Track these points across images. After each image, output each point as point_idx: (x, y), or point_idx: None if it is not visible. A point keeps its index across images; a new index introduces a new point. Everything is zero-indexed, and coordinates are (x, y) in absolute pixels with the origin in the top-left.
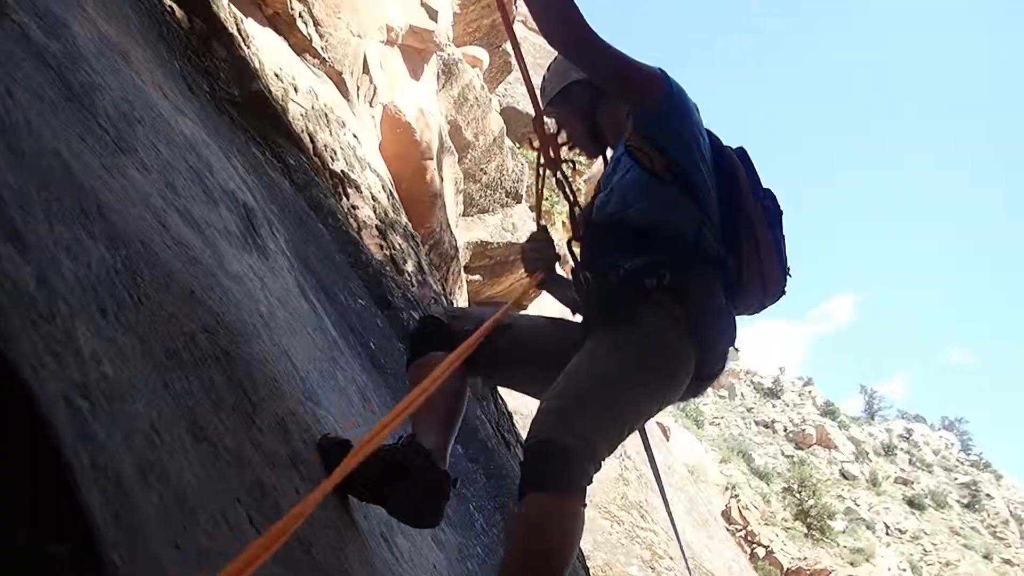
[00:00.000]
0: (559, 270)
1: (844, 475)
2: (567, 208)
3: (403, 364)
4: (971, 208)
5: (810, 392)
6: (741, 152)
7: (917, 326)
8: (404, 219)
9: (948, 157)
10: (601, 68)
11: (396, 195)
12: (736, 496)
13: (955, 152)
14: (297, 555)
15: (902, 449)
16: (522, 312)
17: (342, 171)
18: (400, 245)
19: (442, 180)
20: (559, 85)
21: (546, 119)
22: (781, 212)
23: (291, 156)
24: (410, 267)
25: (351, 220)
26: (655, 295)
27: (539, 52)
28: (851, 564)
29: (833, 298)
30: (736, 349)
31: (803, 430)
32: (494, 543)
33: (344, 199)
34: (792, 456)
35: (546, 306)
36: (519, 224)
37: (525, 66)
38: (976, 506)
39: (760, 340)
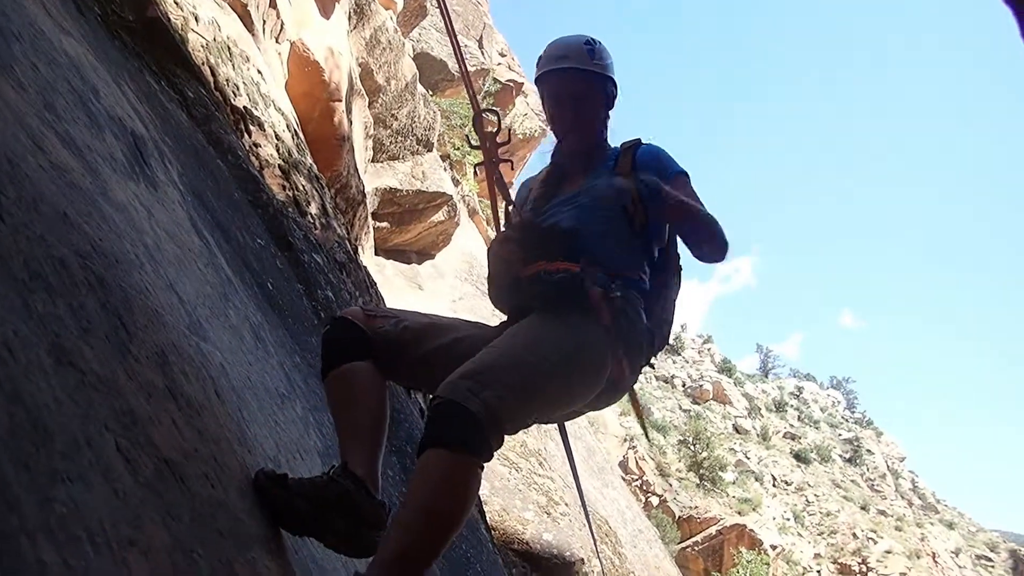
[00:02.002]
0: None
1: (737, 429)
2: (503, 205)
3: (301, 306)
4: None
5: (709, 350)
6: None
7: (812, 291)
8: (309, 160)
9: (845, 127)
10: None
11: (301, 135)
12: (634, 447)
13: (852, 122)
14: (170, 483)
15: (792, 406)
16: (442, 316)
17: (244, 107)
18: (304, 186)
19: (351, 123)
20: (611, 72)
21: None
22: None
23: (189, 88)
24: (314, 209)
25: (252, 158)
26: (594, 301)
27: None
28: (739, 513)
29: (734, 260)
30: (651, 366)
31: (701, 386)
32: (387, 484)
33: (246, 136)
34: (689, 410)
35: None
36: (429, 172)
37: (456, 41)
38: (857, 461)
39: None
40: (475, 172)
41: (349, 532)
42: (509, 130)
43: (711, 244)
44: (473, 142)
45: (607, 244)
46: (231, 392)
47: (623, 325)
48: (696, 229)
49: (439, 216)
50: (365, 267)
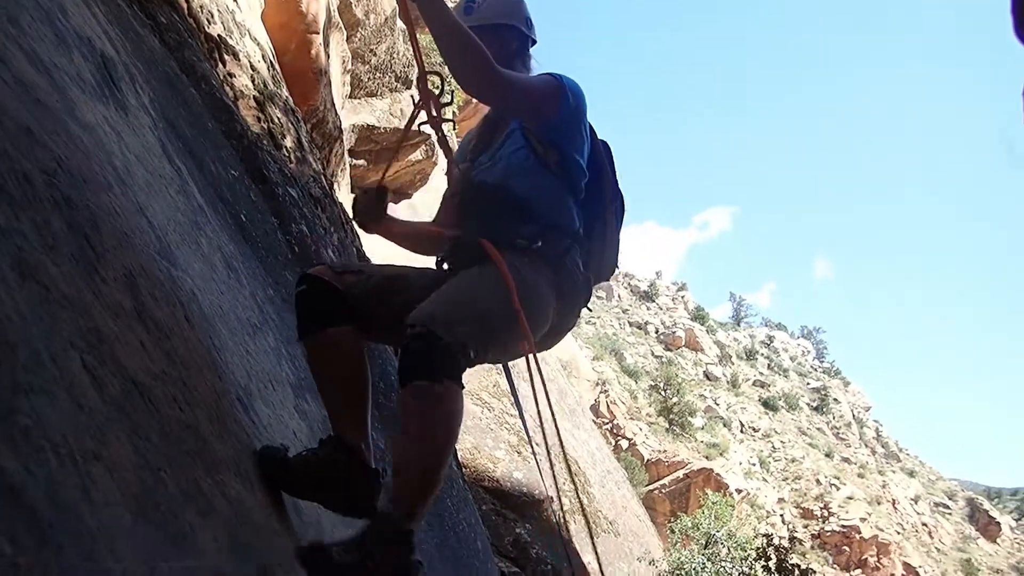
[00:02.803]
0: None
1: (708, 376)
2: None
3: (275, 239)
4: (842, 128)
5: (683, 297)
6: (606, 146)
7: (787, 240)
8: (285, 93)
9: (823, 87)
10: (511, 103)
11: (277, 67)
12: (606, 391)
13: (828, 83)
14: (138, 403)
15: (763, 354)
16: (399, 267)
17: (219, 35)
18: (279, 119)
19: (328, 57)
20: (496, 19)
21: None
22: (624, 208)
23: (162, 14)
24: (289, 142)
25: (227, 88)
26: (528, 254)
27: None
28: (706, 458)
29: (711, 208)
30: (616, 267)
31: (674, 332)
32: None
33: (220, 65)
34: (661, 356)
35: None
36: (407, 110)
37: (417, 43)
38: (824, 409)
39: (640, 244)
40: (417, 127)
41: (347, 499)
42: (452, 92)
43: (459, 72)
44: (416, 99)
45: (530, 193)
46: (201, 319)
47: (561, 275)
48: (446, 58)
49: (417, 155)
50: (341, 203)
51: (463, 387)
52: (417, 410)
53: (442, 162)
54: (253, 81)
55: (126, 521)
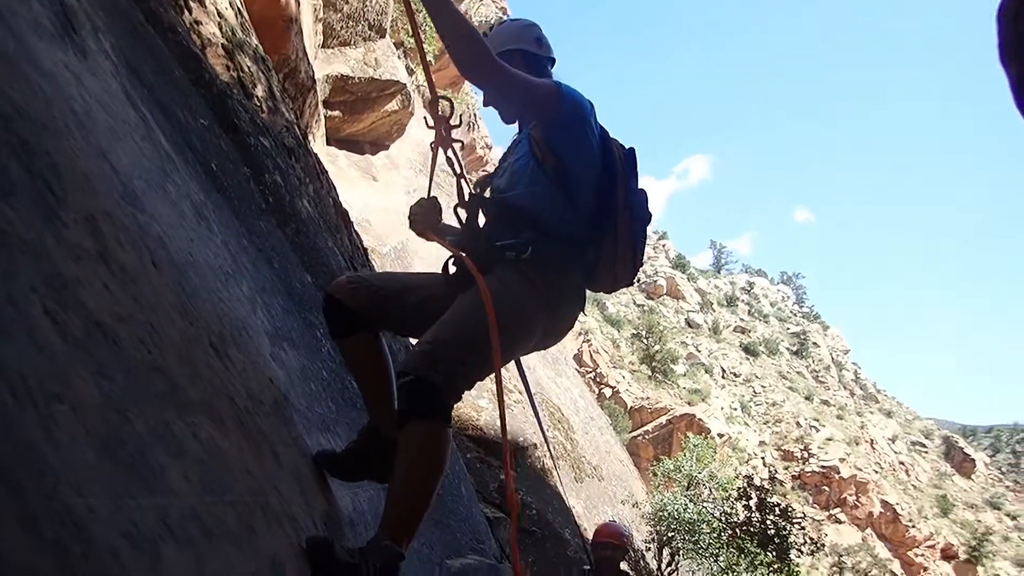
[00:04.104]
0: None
1: (689, 323)
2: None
3: (248, 189)
4: (821, 77)
5: (664, 246)
6: (630, 154)
7: (768, 188)
8: (255, 41)
9: (801, 32)
10: (509, 95)
11: (246, 15)
12: (588, 341)
13: (807, 29)
14: (101, 343)
15: (743, 301)
16: (408, 275)
17: None
18: (249, 67)
19: (298, 4)
20: (502, 47)
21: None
22: (648, 216)
23: None
24: (260, 92)
25: (194, 36)
26: (519, 264)
27: None
28: (688, 403)
29: (691, 156)
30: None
31: (655, 281)
32: (340, 367)
33: (186, 13)
34: (643, 305)
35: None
36: (382, 60)
37: (429, 70)
38: (803, 353)
39: None
40: (431, 149)
41: (383, 477)
42: (461, 115)
43: (461, 63)
44: (429, 123)
45: (528, 199)
46: (170, 265)
47: (548, 283)
48: (449, 49)
49: (393, 105)
50: (316, 154)
51: (450, 425)
52: (407, 452)
53: (419, 112)
54: (221, 29)
55: (90, 459)
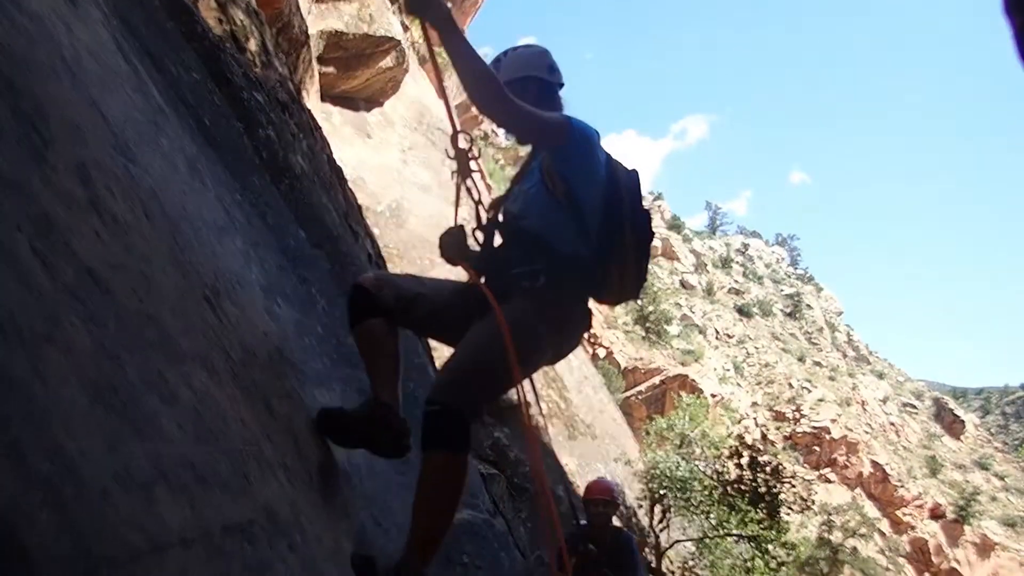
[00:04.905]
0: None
1: (684, 285)
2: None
3: (241, 144)
4: (823, 38)
5: (659, 207)
6: (634, 177)
7: (764, 148)
8: None
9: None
10: (522, 130)
11: None
12: None
13: None
14: (93, 290)
15: (738, 262)
16: (428, 281)
17: None
18: (241, 21)
19: None
20: (516, 74)
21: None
22: (651, 235)
23: None
24: (253, 46)
25: None
26: (532, 291)
27: None
28: (682, 364)
29: (690, 116)
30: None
31: None
32: (335, 324)
33: None
34: None
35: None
36: (376, 15)
37: (449, 105)
38: (797, 315)
39: (618, 154)
40: (452, 176)
41: (390, 443)
42: (480, 149)
43: (476, 97)
44: (451, 154)
45: (541, 226)
46: (163, 217)
47: (558, 309)
48: (464, 84)
49: (387, 62)
50: (309, 110)
51: (469, 450)
52: (430, 478)
53: (413, 68)
54: None
55: (82, 403)
